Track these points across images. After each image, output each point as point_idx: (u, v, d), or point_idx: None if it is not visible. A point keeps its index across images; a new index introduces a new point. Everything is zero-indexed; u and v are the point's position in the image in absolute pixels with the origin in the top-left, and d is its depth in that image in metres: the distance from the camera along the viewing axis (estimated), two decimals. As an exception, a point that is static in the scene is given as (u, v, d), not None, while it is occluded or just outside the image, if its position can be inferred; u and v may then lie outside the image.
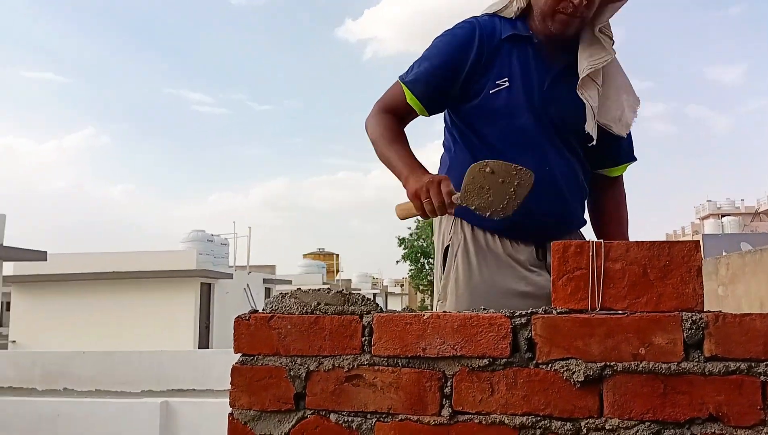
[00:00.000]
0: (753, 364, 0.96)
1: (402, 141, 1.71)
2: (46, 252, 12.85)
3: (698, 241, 1.05)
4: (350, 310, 1.11)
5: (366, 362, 1.08)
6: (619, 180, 1.88)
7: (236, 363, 1.13)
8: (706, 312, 1.00)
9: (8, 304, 18.53)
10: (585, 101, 1.64)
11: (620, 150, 1.80)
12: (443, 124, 1.84)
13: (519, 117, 1.65)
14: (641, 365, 0.99)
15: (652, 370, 0.99)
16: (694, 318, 0.99)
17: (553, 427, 1.00)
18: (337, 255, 41.82)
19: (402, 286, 54.47)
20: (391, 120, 1.73)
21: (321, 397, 1.09)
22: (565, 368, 1.01)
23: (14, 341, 18.10)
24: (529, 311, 1.05)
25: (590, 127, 1.65)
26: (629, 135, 1.77)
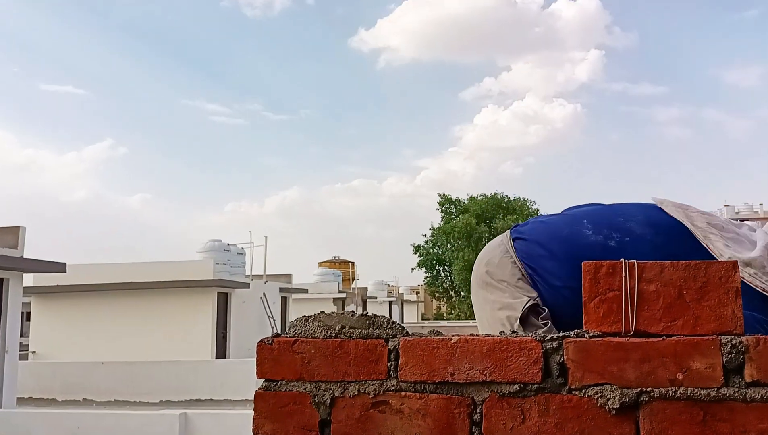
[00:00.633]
0: (797, 390, 0.92)
1: None
2: (65, 264, 12.91)
3: (735, 261, 1.01)
4: (375, 333, 1.08)
5: (392, 388, 1.05)
6: None
7: (259, 389, 1.10)
8: (745, 335, 0.96)
9: (28, 314, 18.71)
10: None
11: None
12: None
13: None
14: (679, 391, 0.95)
15: (691, 396, 0.95)
16: (733, 342, 0.95)
17: (588, 456, 0.97)
18: (353, 263, 41.76)
19: (417, 293, 54.31)
20: None
21: (346, 424, 1.06)
22: (599, 394, 0.98)
23: (34, 352, 18.29)
24: (560, 335, 1.01)
25: None
26: None
